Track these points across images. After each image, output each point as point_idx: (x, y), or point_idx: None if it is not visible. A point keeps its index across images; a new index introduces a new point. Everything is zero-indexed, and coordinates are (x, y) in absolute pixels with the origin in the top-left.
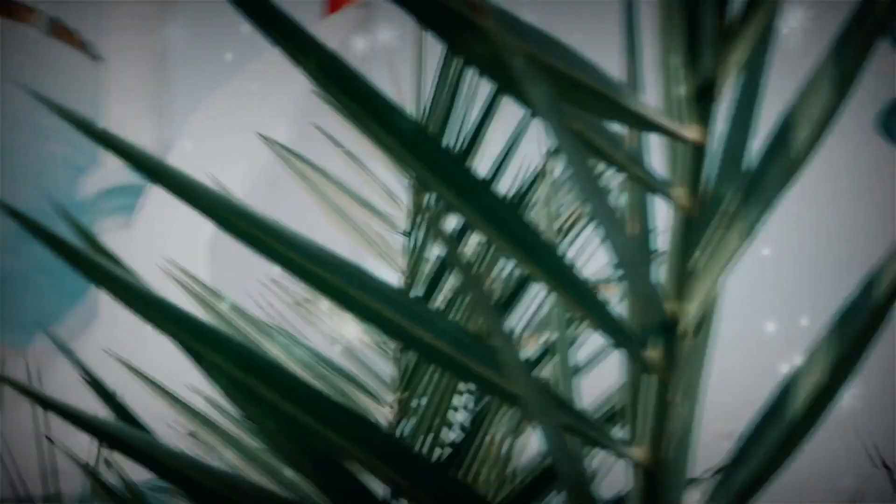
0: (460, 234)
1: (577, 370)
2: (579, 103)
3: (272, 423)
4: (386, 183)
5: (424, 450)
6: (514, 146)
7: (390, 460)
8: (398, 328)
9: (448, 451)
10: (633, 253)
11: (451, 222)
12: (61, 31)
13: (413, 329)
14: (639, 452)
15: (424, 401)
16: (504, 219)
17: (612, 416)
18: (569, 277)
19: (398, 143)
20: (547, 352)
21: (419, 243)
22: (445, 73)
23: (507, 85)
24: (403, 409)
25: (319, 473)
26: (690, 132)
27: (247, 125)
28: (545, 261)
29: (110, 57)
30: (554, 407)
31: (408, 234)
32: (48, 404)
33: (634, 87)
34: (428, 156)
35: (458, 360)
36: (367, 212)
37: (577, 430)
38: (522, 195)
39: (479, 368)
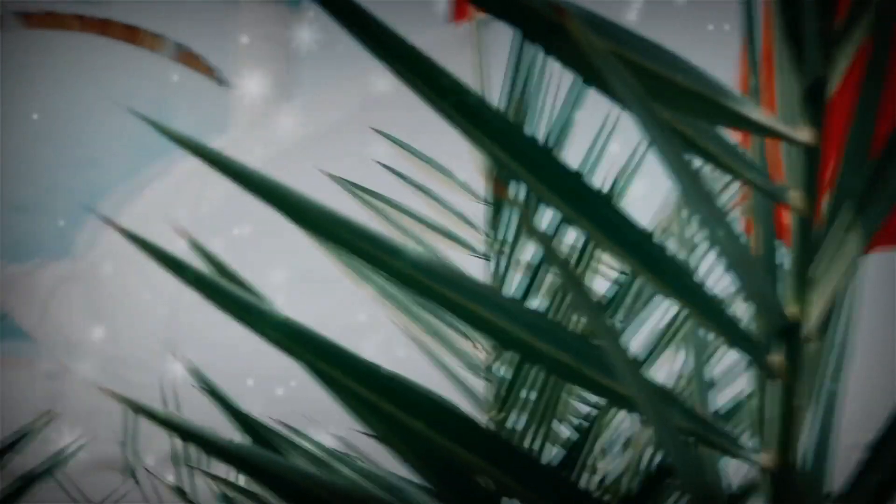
0: (551, 236)
1: (711, 381)
2: (684, 107)
3: (395, 435)
4: (459, 209)
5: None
6: (605, 141)
7: (501, 463)
8: (498, 329)
9: (558, 455)
10: (746, 257)
11: (542, 224)
12: (188, 57)
13: (518, 333)
14: (766, 458)
15: (523, 418)
16: (608, 217)
17: (737, 423)
18: (684, 279)
19: (493, 141)
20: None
21: (500, 265)
22: (529, 69)
23: (599, 84)
24: (497, 426)
25: (444, 484)
26: (803, 134)
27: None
28: (657, 262)
29: (237, 83)
30: (673, 411)
31: (487, 257)
32: (187, 434)
33: (755, 92)
34: (518, 149)
35: (566, 362)
36: (444, 238)
37: (702, 435)
38: (617, 190)
39: (590, 372)
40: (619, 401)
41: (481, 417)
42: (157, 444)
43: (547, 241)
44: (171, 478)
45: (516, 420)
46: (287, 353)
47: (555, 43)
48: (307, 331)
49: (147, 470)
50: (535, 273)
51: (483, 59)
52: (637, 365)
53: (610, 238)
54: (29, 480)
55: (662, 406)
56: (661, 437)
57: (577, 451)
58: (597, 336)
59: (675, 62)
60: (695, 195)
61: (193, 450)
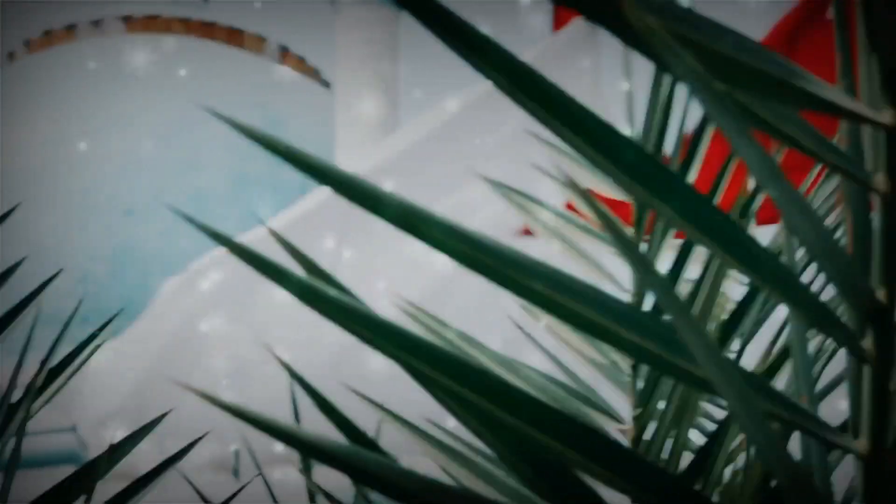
0: (685, 251)
1: (816, 378)
2: (756, 90)
3: (505, 442)
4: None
5: (665, 464)
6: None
7: (632, 476)
8: (634, 346)
9: (689, 464)
10: (828, 241)
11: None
12: (291, 59)
13: (648, 345)
14: (861, 445)
15: (660, 422)
16: (724, 232)
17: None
18: (788, 279)
19: (619, 169)
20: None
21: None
22: (656, 89)
23: (661, 64)
24: (640, 429)
25: (557, 490)
26: (886, 117)
27: (466, 155)
28: (764, 264)
29: (339, 84)
30: (766, 399)
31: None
32: (269, 429)
33: (848, 76)
34: (649, 178)
35: (699, 375)
36: (592, 238)
37: (797, 423)
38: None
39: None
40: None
41: (623, 424)
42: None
43: (680, 257)
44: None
45: (656, 427)
46: (393, 359)
47: (615, 25)
48: (398, 328)
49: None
50: (673, 280)
51: (594, 72)
52: (732, 363)
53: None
54: (146, 480)
55: (750, 392)
56: (748, 430)
57: (705, 457)
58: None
59: (742, 42)
60: (770, 180)
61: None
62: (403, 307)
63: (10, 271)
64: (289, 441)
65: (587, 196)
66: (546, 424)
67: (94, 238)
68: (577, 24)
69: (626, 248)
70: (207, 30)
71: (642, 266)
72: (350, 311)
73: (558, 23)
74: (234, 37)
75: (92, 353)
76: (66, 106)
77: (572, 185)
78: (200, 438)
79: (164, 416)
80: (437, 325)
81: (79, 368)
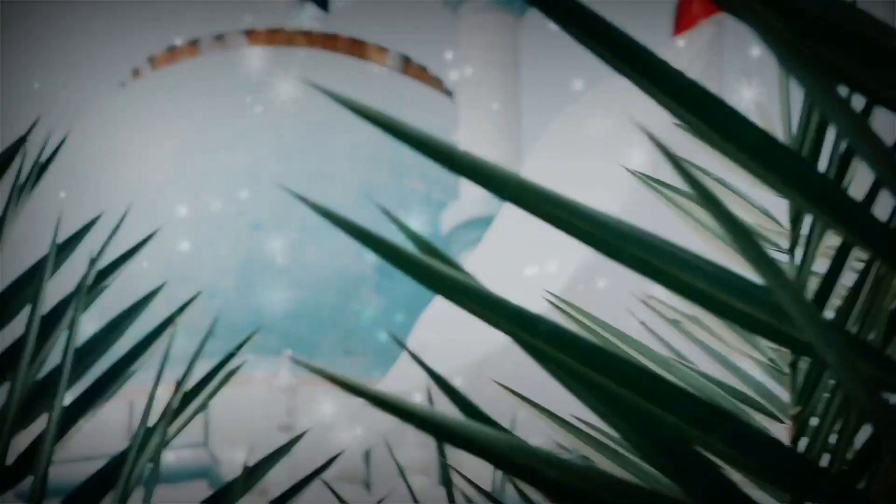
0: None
1: None
2: (842, 48)
3: (659, 443)
4: (758, 199)
5: (826, 463)
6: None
7: (791, 474)
8: (790, 338)
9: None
10: None
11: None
12: (413, 68)
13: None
14: None
15: (822, 419)
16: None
17: None
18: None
19: (771, 171)
20: None
21: (804, 260)
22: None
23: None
24: (800, 427)
25: (692, 477)
26: None
27: (599, 150)
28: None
29: (461, 92)
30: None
31: (789, 251)
32: (388, 405)
33: None
34: (803, 181)
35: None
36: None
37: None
38: None
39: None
40: None
41: (781, 418)
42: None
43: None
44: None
45: (817, 424)
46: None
47: None
48: (521, 308)
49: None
50: (835, 271)
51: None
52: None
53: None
54: (286, 496)
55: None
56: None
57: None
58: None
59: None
60: (851, 130)
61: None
62: (552, 301)
63: (152, 294)
64: (425, 425)
65: (713, 199)
66: (703, 422)
67: (222, 253)
68: (702, 30)
69: (757, 256)
70: (330, 41)
71: (774, 275)
72: (503, 310)
73: (680, 27)
74: (356, 48)
75: (230, 375)
76: (189, 121)
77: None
78: (338, 455)
79: (302, 435)
80: (582, 317)
81: (213, 395)
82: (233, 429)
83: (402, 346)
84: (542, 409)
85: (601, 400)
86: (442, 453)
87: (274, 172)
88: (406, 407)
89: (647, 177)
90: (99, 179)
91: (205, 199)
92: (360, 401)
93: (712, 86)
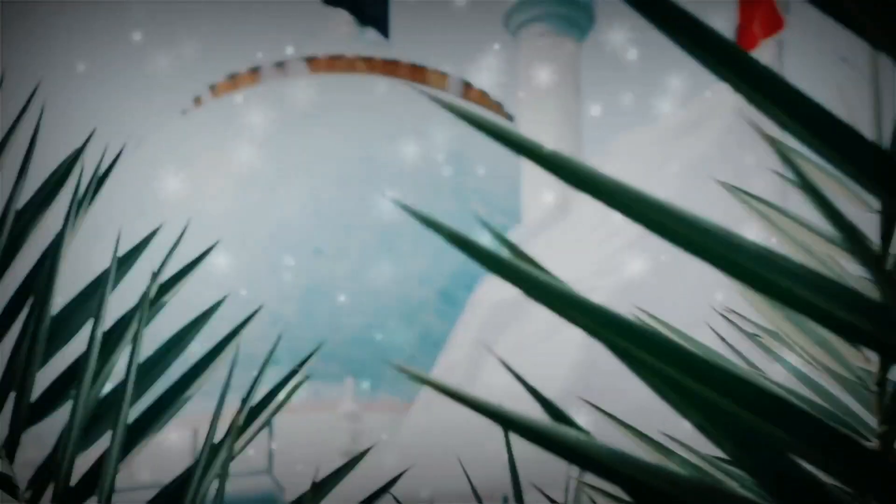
0: None
1: None
2: None
3: (752, 450)
4: (847, 213)
5: None
6: None
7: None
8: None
9: None
10: None
11: None
12: (474, 93)
13: None
14: None
15: None
16: None
17: None
18: None
19: (870, 178)
20: None
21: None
22: None
23: None
24: (885, 447)
25: (794, 492)
26: None
27: (665, 167)
28: None
29: (522, 117)
30: None
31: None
32: (477, 406)
33: None
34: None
35: None
36: (830, 245)
37: None
38: None
39: None
40: None
41: (868, 437)
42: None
43: None
44: None
45: None
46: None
47: None
48: (602, 308)
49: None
50: None
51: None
52: None
53: None
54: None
55: None
56: None
57: None
58: None
59: None
60: None
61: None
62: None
63: (213, 308)
64: (526, 432)
65: (826, 203)
66: (809, 438)
67: (285, 279)
68: (763, 50)
69: (862, 251)
70: (390, 67)
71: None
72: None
73: (744, 45)
74: (416, 74)
75: (291, 394)
76: (250, 149)
77: (809, 190)
78: (404, 473)
79: (366, 452)
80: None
81: (279, 409)
82: (296, 456)
83: (501, 360)
84: (618, 421)
85: (700, 411)
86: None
87: (334, 198)
88: (510, 415)
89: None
90: (158, 204)
91: (266, 226)
92: (415, 424)
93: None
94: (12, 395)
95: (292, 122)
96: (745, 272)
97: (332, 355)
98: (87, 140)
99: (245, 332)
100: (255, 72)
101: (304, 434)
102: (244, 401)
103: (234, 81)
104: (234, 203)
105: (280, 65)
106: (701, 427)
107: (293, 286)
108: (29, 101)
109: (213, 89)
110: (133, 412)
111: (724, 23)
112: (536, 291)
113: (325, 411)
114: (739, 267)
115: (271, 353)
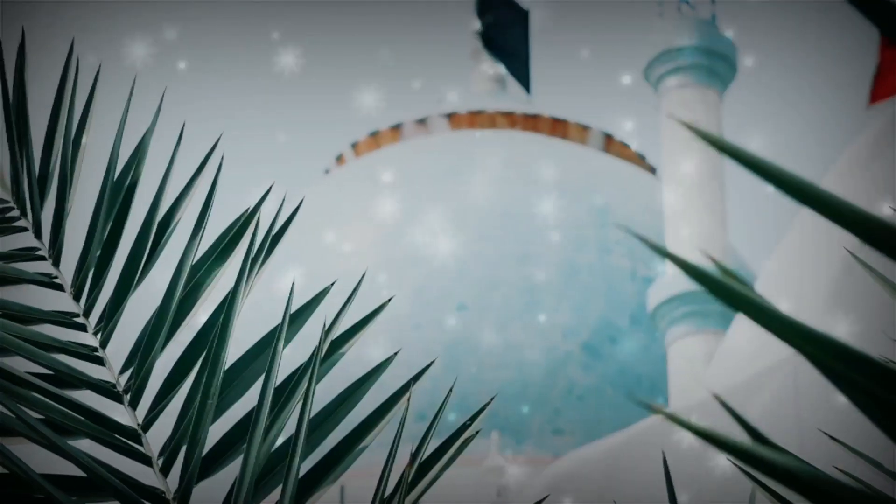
0: None
1: None
2: None
3: None
4: None
5: None
6: None
7: None
8: None
9: None
10: None
11: None
12: (615, 146)
13: None
14: None
15: None
16: None
17: None
18: None
19: None
20: None
21: None
22: None
23: None
24: None
25: None
26: None
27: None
28: None
29: (664, 166)
30: None
31: None
32: (696, 431)
33: None
34: None
35: None
36: None
37: None
38: None
39: None
40: None
41: None
42: None
43: None
44: None
45: None
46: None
47: None
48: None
49: None
50: None
51: None
52: None
53: None
54: None
55: None
56: None
57: None
58: None
59: None
60: None
61: None
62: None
63: (384, 363)
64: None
65: None
66: None
67: (428, 335)
68: None
69: None
70: (531, 122)
71: None
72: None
73: (876, 95)
74: (557, 127)
75: (462, 448)
76: (393, 203)
77: None
78: None
79: None
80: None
81: (450, 463)
82: None
83: (714, 395)
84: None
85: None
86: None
87: (477, 252)
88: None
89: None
90: (305, 262)
91: (410, 282)
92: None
93: None
94: (184, 448)
95: (435, 178)
96: None
97: (476, 409)
98: (264, 197)
99: (388, 386)
100: (396, 129)
101: (450, 488)
102: (414, 455)
103: (375, 139)
104: (378, 258)
105: (421, 121)
106: None
107: (437, 341)
108: (211, 151)
109: (355, 147)
110: (304, 465)
111: (862, 61)
112: (767, 320)
113: (470, 465)
114: None
115: (442, 407)
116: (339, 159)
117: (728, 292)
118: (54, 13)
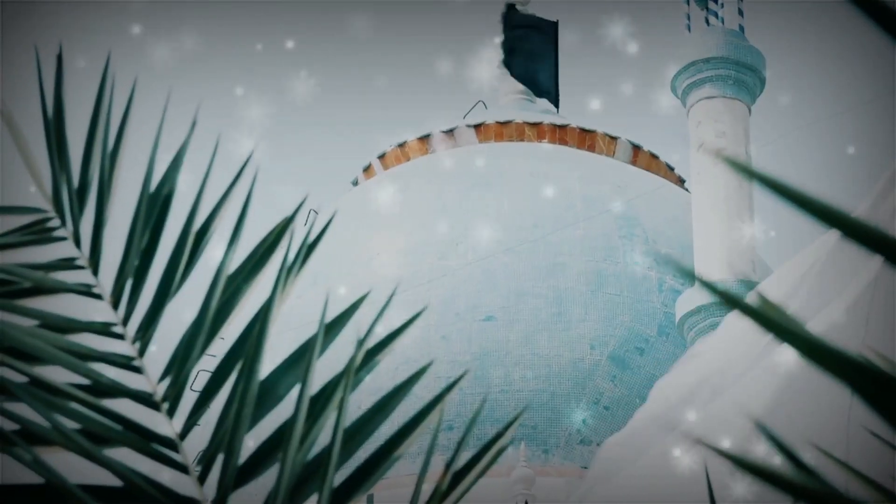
0: None
1: None
2: None
3: None
4: None
5: None
6: None
7: None
8: None
9: None
10: None
11: None
12: (643, 157)
13: None
14: None
15: None
16: None
17: None
18: None
19: None
20: None
21: None
22: None
23: None
24: None
25: None
26: None
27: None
28: None
29: (692, 177)
30: None
31: None
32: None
33: None
34: None
35: None
36: None
37: None
38: None
39: None
40: None
41: None
42: None
43: None
44: None
45: None
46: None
47: None
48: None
49: None
50: None
51: None
52: None
53: None
54: None
55: None
56: None
57: None
58: None
59: None
60: None
61: None
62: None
63: (418, 374)
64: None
65: None
66: None
67: (455, 345)
68: None
69: None
70: (560, 133)
71: None
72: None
73: None
74: (585, 138)
75: (496, 458)
76: (420, 214)
77: None
78: None
79: None
80: None
81: (483, 473)
82: None
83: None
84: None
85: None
86: None
87: (505, 265)
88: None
89: None
90: (334, 269)
91: (437, 293)
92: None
93: None
94: (220, 456)
95: (463, 190)
96: None
97: (503, 420)
98: (299, 207)
99: (420, 400)
100: (423, 140)
101: (478, 498)
102: (448, 465)
103: (403, 150)
104: (407, 269)
105: (449, 132)
106: None
107: (465, 353)
108: (244, 165)
109: (383, 158)
110: (339, 475)
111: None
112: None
113: (499, 476)
114: None
115: (474, 418)
116: (367, 170)
117: (761, 318)
118: (84, 27)
